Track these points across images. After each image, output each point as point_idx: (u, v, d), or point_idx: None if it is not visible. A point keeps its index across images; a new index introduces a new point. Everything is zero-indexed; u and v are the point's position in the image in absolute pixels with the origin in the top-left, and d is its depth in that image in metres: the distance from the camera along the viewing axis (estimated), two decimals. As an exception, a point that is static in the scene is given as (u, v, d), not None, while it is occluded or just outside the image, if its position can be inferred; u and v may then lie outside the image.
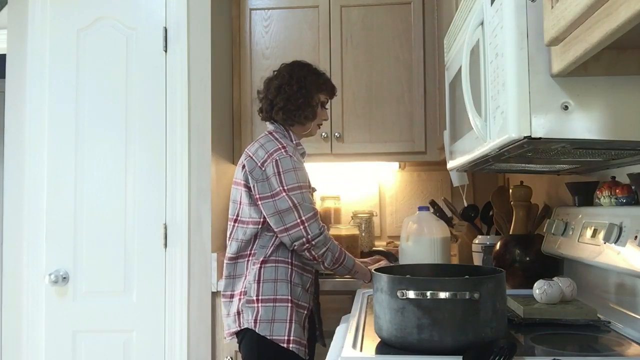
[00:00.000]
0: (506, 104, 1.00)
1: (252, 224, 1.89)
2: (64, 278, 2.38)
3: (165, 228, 2.38)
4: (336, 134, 2.69)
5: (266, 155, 1.85)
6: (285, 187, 1.82)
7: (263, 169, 1.84)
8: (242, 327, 1.85)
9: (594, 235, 1.48)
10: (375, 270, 1.26)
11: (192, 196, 2.37)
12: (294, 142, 1.97)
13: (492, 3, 1.09)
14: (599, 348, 1.25)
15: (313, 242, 1.83)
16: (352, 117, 2.70)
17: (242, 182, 1.90)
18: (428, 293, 1.12)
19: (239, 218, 1.92)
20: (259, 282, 1.84)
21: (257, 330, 1.80)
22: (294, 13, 2.75)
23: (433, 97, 2.67)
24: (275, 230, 1.84)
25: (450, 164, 1.71)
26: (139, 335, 2.37)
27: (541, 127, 0.97)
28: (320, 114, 2.04)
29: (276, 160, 1.84)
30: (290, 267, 1.87)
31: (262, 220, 1.87)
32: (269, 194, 1.83)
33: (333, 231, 2.80)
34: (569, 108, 0.97)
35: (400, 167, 3.02)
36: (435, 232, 2.18)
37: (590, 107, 0.96)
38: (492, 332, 1.14)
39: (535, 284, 1.49)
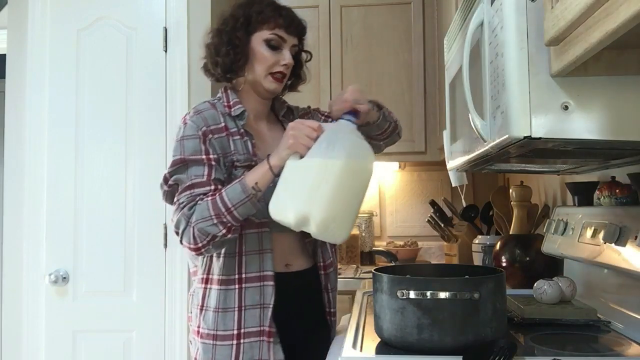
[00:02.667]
0: (506, 104, 1.00)
1: None
2: (64, 278, 2.38)
3: (165, 228, 2.37)
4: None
5: None
6: (168, 167, 1.41)
7: None
8: None
9: (594, 235, 1.48)
10: (375, 270, 1.26)
11: (192, 196, 2.37)
12: (230, 102, 1.46)
13: (492, 3, 1.09)
14: (599, 348, 1.25)
15: (175, 226, 1.34)
16: (352, 117, 2.70)
17: None
18: (428, 293, 1.12)
19: None
20: (201, 310, 1.42)
21: None
22: (294, 13, 2.74)
23: (433, 97, 2.67)
24: None
25: (450, 164, 1.71)
26: (139, 335, 2.36)
27: (541, 127, 0.97)
28: (265, 56, 1.45)
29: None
30: (238, 285, 1.38)
31: None
32: None
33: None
34: (569, 108, 0.96)
35: (400, 167, 3.02)
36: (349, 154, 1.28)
37: (590, 107, 0.96)
38: (492, 332, 1.14)
39: (535, 284, 1.49)
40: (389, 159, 2.77)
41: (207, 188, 1.34)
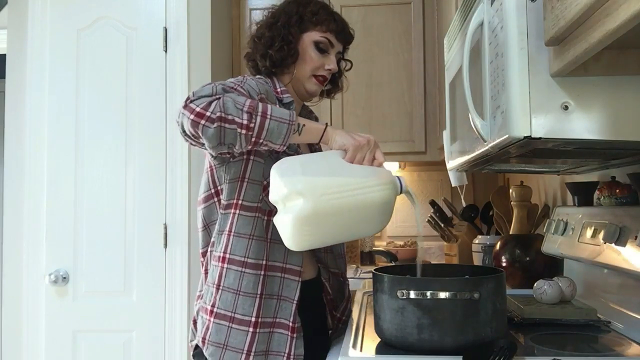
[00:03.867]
0: (506, 104, 1.00)
1: (203, 202, 1.40)
2: (64, 278, 2.38)
3: (165, 228, 2.38)
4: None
5: None
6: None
7: None
8: (196, 341, 1.39)
9: (594, 235, 1.48)
10: (375, 270, 1.26)
11: (192, 196, 2.37)
12: (279, 89, 1.42)
13: (492, 3, 1.09)
14: (599, 348, 1.25)
15: (194, 96, 1.22)
16: (352, 117, 2.70)
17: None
18: (428, 293, 1.12)
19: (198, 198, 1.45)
20: (217, 288, 1.34)
21: (204, 352, 1.34)
22: (294, 13, 2.74)
23: (433, 97, 2.67)
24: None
25: (450, 164, 1.71)
26: (139, 335, 2.37)
27: (541, 127, 0.97)
28: (312, 58, 1.45)
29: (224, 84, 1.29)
30: (263, 272, 1.32)
31: (213, 191, 1.37)
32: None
33: (333, 231, 2.80)
34: (569, 108, 0.96)
35: (400, 167, 3.02)
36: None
37: (590, 107, 0.96)
38: (492, 332, 1.14)
39: (535, 284, 1.49)
40: (389, 159, 2.76)
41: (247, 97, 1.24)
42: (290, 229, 1.21)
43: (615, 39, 0.70)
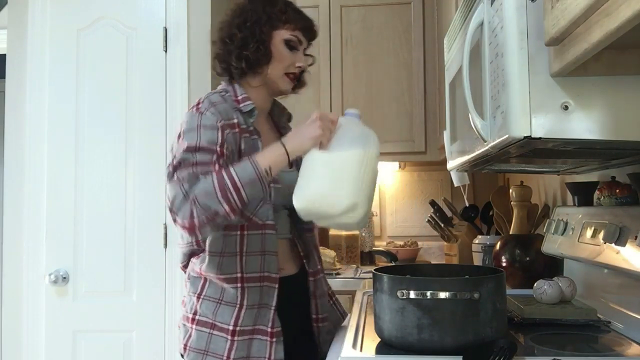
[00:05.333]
0: (506, 104, 1.00)
1: None
2: (64, 278, 2.38)
3: (165, 228, 2.38)
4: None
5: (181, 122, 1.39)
6: (182, 149, 1.29)
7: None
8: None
9: (594, 235, 1.48)
10: (375, 270, 1.26)
11: (192, 196, 2.37)
12: (239, 97, 1.43)
13: (492, 3, 1.09)
14: (599, 348, 1.25)
15: (170, 202, 1.26)
16: (352, 117, 2.70)
17: None
18: (428, 293, 1.12)
19: None
20: (198, 297, 1.39)
21: (186, 359, 1.40)
22: (294, 13, 2.74)
23: (433, 97, 2.67)
24: None
25: (451, 164, 1.71)
26: (139, 335, 2.37)
27: (541, 127, 0.97)
28: (284, 56, 1.45)
29: (182, 123, 1.36)
30: (239, 284, 1.36)
31: None
32: None
33: (333, 231, 2.80)
34: (569, 108, 0.96)
35: (400, 167, 3.02)
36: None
37: (590, 107, 0.96)
38: (492, 332, 1.14)
39: (535, 284, 1.49)
40: (389, 159, 2.77)
41: (210, 168, 1.27)
42: (363, 223, 1.32)
43: (615, 39, 0.70)
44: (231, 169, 1.25)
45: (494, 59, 1.07)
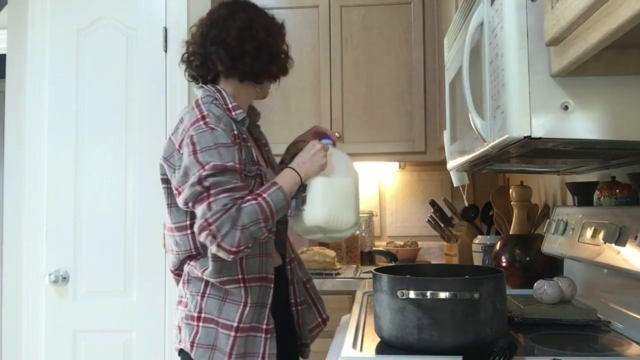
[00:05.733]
0: (506, 104, 1.00)
1: (181, 230, 1.47)
2: (64, 278, 2.38)
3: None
4: (336, 133, 2.68)
5: (183, 132, 1.42)
6: (204, 168, 1.34)
7: (181, 151, 1.41)
8: (180, 346, 1.49)
9: (594, 235, 1.48)
10: (375, 270, 1.26)
11: (192, 196, 2.37)
12: (230, 105, 1.48)
13: (492, 3, 1.09)
14: (599, 348, 1.25)
15: (213, 228, 1.31)
16: (352, 117, 2.70)
17: (160, 177, 1.51)
18: (428, 293, 1.12)
19: (165, 224, 1.54)
20: (202, 296, 1.44)
21: (192, 356, 1.43)
22: (294, 13, 2.75)
23: (433, 97, 2.67)
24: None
25: (450, 164, 1.71)
26: (139, 335, 2.37)
27: (541, 127, 0.97)
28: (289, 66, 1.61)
29: (191, 137, 1.38)
30: (241, 285, 1.42)
31: (190, 222, 1.44)
32: (186, 180, 1.38)
33: (333, 231, 2.80)
34: (569, 108, 0.96)
35: (400, 167, 3.02)
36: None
37: (590, 107, 0.96)
38: (492, 332, 1.14)
39: (535, 284, 1.49)
40: (389, 159, 2.77)
41: (245, 192, 1.38)
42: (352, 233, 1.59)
43: (615, 39, 0.70)
44: (267, 197, 1.38)
45: (494, 59, 1.07)
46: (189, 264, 1.49)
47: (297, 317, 1.61)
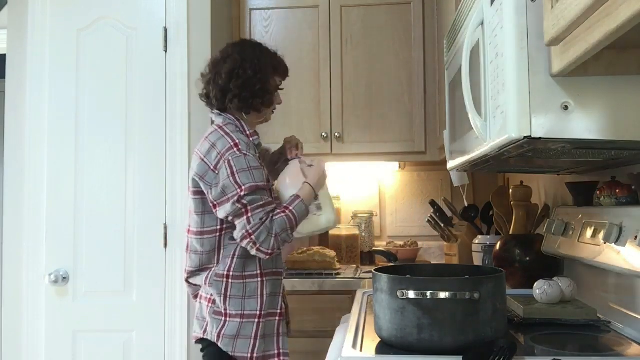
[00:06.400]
0: (506, 104, 1.00)
1: (209, 234, 1.74)
2: (64, 278, 2.38)
3: (165, 228, 2.38)
4: (336, 134, 2.69)
5: (218, 156, 1.68)
6: (242, 189, 1.65)
7: (217, 172, 1.68)
8: (205, 337, 1.74)
9: (594, 235, 1.48)
10: (375, 270, 1.26)
11: (192, 196, 2.37)
12: (248, 132, 1.79)
13: (492, 3, 1.09)
14: (599, 348, 1.25)
15: (254, 237, 1.65)
16: (352, 117, 2.70)
17: (192, 189, 1.76)
18: (428, 293, 1.12)
19: (190, 229, 1.78)
20: (225, 297, 1.71)
21: (219, 345, 1.70)
22: (294, 13, 2.75)
23: (433, 97, 2.67)
24: (234, 235, 1.70)
25: (450, 164, 1.71)
26: (139, 335, 2.37)
27: (541, 127, 0.97)
28: (276, 98, 1.86)
29: (228, 161, 1.66)
30: (260, 279, 1.73)
31: (219, 227, 1.73)
32: (224, 198, 1.66)
33: (333, 231, 2.80)
34: (569, 108, 0.97)
35: (400, 167, 3.02)
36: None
37: (590, 107, 0.96)
38: (492, 332, 1.14)
39: (535, 284, 1.49)
40: (389, 159, 2.77)
41: (274, 205, 1.72)
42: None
43: (615, 39, 0.70)
44: (293, 210, 1.72)
45: (494, 59, 1.07)
46: (211, 268, 1.75)
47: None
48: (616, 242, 1.34)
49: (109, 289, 2.38)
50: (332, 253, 2.58)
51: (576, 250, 1.57)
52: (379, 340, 1.24)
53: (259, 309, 1.72)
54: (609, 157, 1.31)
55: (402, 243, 2.90)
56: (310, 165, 1.87)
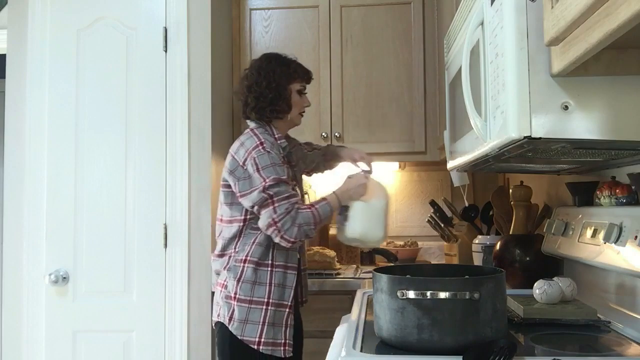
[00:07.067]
0: (506, 104, 1.00)
1: (235, 222, 1.90)
2: (64, 278, 2.38)
3: (165, 228, 2.38)
4: (336, 134, 2.69)
5: (246, 154, 1.85)
6: (266, 181, 1.81)
7: (245, 167, 1.85)
8: (219, 320, 1.90)
9: (594, 235, 1.48)
10: (375, 270, 1.26)
11: (192, 196, 2.37)
12: (276, 136, 1.95)
13: (492, 3, 1.09)
14: (599, 348, 1.25)
15: (279, 225, 1.79)
16: (352, 117, 2.70)
17: (223, 183, 1.93)
18: (428, 293, 1.12)
19: (222, 218, 1.95)
20: (238, 281, 1.85)
21: (230, 328, 1.84)
22: (294, 13, 2.75)
23: (433, 97, 2.67)
24: (259, 224, 1.84)
25: (451, 164, 1.71)
26: (139, 335, 2.37)
27: (541, 127, 0.97)
28: (298, 102, 1.99)
29: (254, 158, 1.83)
30: (270, 268, 1.87)
31: (243, 217, 1.89)
32: (249, 190, 1.83)
33: (333, 231, 2.80)
34: (569, 108, 0.97)
35: (400, 167, 3.02)
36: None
37: (590, 107, 0.96)
38: (492, 332, 1.14)
39: (535, 284, 1.49)
40: (389, 159, 2.77)
41: (298, 197, 1.85)
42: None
43: (615, 39, 0.70)
44: (318, 208, 1.85)
45: (494, 58, 1.07)
46: (234, 250, 1.89)
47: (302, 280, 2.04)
48: (616, 242, 1.34)
49: (109, 289, 2.38)
50: (332, 253, 2.58)
51: (576, 250, 1.58)
52: (379, 340, 1.24)
53: (266, 296, 1.84)
54: (609, 157, 1.31)
55: (402, 243, 2.90)
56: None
